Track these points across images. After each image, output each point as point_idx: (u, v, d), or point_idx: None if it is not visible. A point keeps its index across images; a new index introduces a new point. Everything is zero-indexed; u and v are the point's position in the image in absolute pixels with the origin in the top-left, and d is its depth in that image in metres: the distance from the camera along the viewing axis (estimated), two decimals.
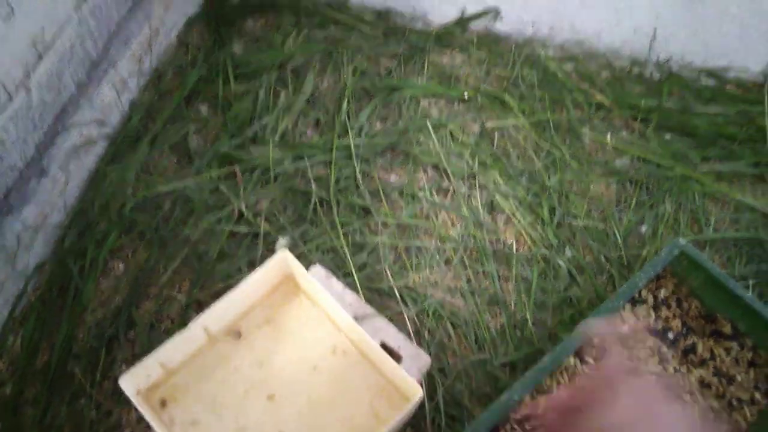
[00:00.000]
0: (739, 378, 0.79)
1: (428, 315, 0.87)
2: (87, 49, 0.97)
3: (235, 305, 0.70)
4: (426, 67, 1.17)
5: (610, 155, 1.06)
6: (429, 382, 0.80)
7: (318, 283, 0.70)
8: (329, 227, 0.94)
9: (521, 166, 1.04)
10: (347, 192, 0.99)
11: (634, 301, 0.85)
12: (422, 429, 0.77)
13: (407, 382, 0.63)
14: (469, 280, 0.91)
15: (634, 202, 1.00)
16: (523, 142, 1.07)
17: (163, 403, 0.66)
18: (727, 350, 0.82)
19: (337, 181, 0.99)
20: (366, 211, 0.98)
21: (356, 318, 0.72)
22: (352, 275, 0.88)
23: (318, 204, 0.97)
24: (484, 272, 0.92)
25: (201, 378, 0.68)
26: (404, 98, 1.12)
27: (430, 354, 0.82)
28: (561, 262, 0.92)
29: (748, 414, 0.76)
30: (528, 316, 0.87)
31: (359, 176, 1.00)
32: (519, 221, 0.97)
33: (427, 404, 0.78)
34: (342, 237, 0.93)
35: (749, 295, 0.80)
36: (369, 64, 1.17)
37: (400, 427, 0.72)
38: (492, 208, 0.99)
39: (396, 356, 0.70)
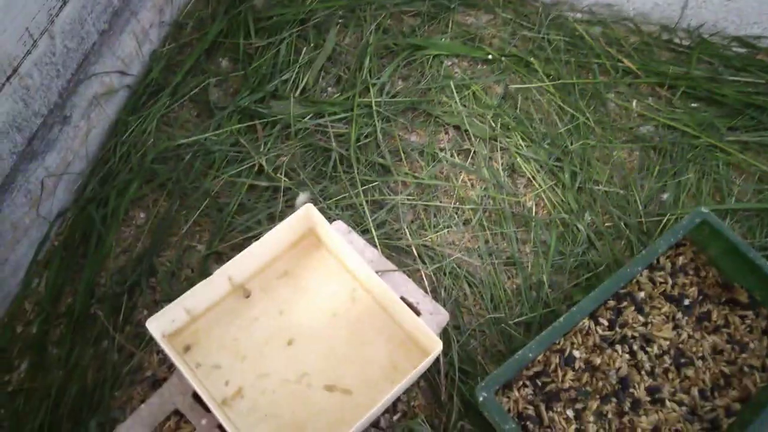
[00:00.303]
0: (752, 345, 0.80)
1: (445, 274, 0.87)
2: None
3: (259, 256, 0.71)
4: (450, 27, 1.15)
5: (634, 122, 1.05)
6: (444, 337, 0.81)
7: (340, 237, 0.70)
8: (349, 184, 0.94)
9: (544, 130, 1.02)
10: (367, 150, 0.99)
11: (652, 268, 0.85)
12: (435, 382, 0.79)
13: (427, 335, 0.63)
14: (486, 242, 0.91)
15: (656, 169, 0.99)
16: (547, 105, 1.06)
17: (187, 348, 0.68)
18: (742, 318, 0.82)
19: (357, 139, 0.99)
20: (386, 170, 0.98)
21: (377, 273, 0.72)
22: (371, 232, 0.89)
23: (338, 161, 0.97)
24: (502, 234, 0.92)
25: (223, 325, 0.69)
26: (427, 57, 1.10)
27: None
28: (580, 227, 0.91)
29: (759, 380, 0.77)
30: (544, 278, 0.87)
31: (380, 135, 1.00)
32: (539, 185, 0.96)
33: (441, 359, 0.79)
34: (362, 194, 0.93)
35: (767, 264, 0.80)
36: (392, 22, 1.15)
37: (416, 378, 0.73)
38: (513, 170, 0.99)
39: (415, 311, 0.71)
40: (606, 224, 0.93)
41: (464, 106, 1.05)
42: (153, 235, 0.90)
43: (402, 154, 0.99)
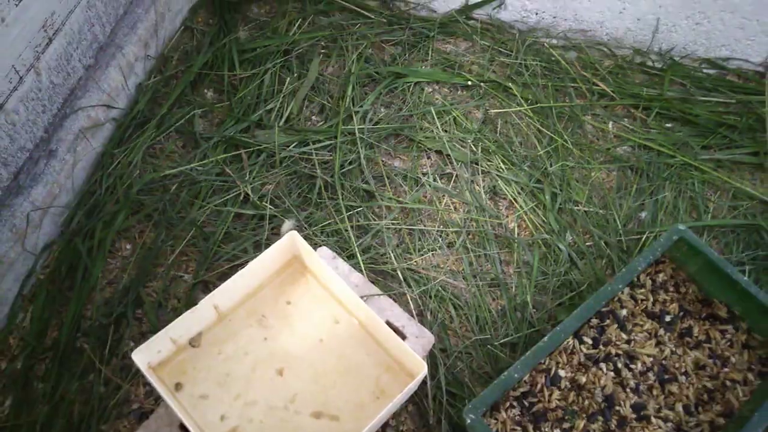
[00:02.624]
0: (733, 360, 0.81)
1: (431, 297, 0.88)
2: (95, 32, 0.98)
3: (244, 284, 0.71)
4: (430, 54, 1.18)
5: (611, 143, 1.08)
6: (431, 361, 0.82)
7: (325, 263, 0.71)
8: (334, 210, 0.96)
9: (524, 153, 1.05)
10: (351, 176, 1.00)
11: (633, 285, 0.87)
12: (424, 406, 0.79)
13: (412, 358, 0.64)
14: (470, 263, 0.93)
15: (634, 188, 1.01)
16: (526, 129, 1.08)
17: (173, 378, 0.68)
18: (723, 333, 0.83)
19: (341, 166, 1.01)
20: (370, 195, 0.99)
21: (362, 298, 0.73)
22: (357, 257, 0.90)
23: (323, 188, 0.98)
24: (485, 256, 0.94)
25: (210, 354, 0.69)
26: (408, 85, 1.13)
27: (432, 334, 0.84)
28: (562, 247, 0.93)
29: (741, 394, 0.78)
30: (528, 299, 0.89)
31: (363, 161, 1.02)
32: (521, 206, 0.98)
33: (429, 382, 0.80)
34: (346, 220, 0.94)
35: (745, 280, 0.81)
36: (374, 51, 1.18)
37: (404, 402, 0.74)
38: (494, 193, 1.01)
39: (400, 335, 0.71)
40: (587, 243, 0.95)
41: (445, 131, 1.07)
42: (139, 266, 0.91)
43: (386, 180, 1.01)
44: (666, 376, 0.80)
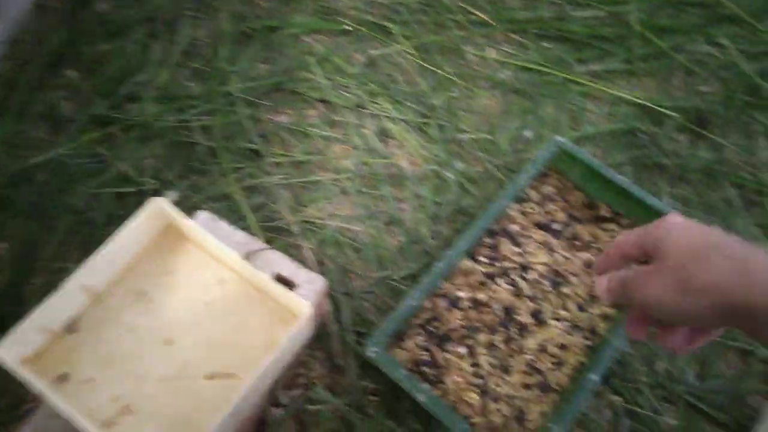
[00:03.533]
0: None
1: (328, 244, 0.87)
2: None
3: (114, 260, 0.68)
4: (305, 4, 1.14)
5: (493, 69, 1.09)
6: (335, 305, 0.82)
7: (199, 227, 0.68)
8: (220, 175, 0.93)
9: (408, 90, 1.04)
10: (236, 138, 0.97)
11: (522, 200, 0.89)
12: (333, 349, 0.79)
13: (295, 301, 0.63)
14: (366, 207, 0.92)
15: (517, 110, 1.03)
16: (409, 67, 1.07)
17: (57, 369, 0.64)
18: (608, 232, 0.87)
19: (223, 128, 0.97)
20: (257, 154, 0.96)
21: (249, 254, 0.71)
22: (248, 217, 0.88)
23: (206, 154, 0.94)
24: (380, 196, 0.93)
25: (92, 337, 0.66)
26: (285, 37, 1.10)
27: (333, 280, 0.84)
28: (451, 176, 0.94)
29: None
30: (424, 230, 0.89)
31: (246, 120, 0.98)
32: (410, 143, 0.98)
33: (336, 326, 0.80)
34: (234, 182, 0.91)
35: (622, 179, 0.85)
36: (245, 7, 1.13)
37: (302, 345, 0.73)
38: (384, 134, 1.00)
39: (291, 284, 0.70)
40: (476, 169, 0.96)
41: (329, 79, 1.05)
42: (18, 264, 0.85)
43: (272, 136, 0.98)
44: (558, 280, 0.83)
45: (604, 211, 0.88)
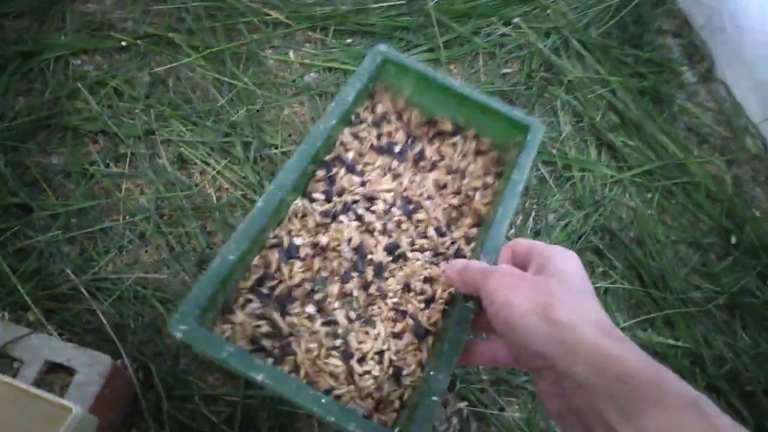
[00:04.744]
0: (471, 168, 0.75)
1: (127, 302, 0.75)
2: None
3: None
4: (68, 20, 0.98)
5: (297, 73, 1.02)
6: (144, 374, 0.71)
7: None
8: None
9: (204, 108, 0.94)
10: None
11: (353, 124, 0.74)
12: (151, 426, 0.68)
13: (55, 402, 0.52)
14: (172, 248, 0.81)
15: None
16: (202, 80, 0.97)
17: None
18: (453, 146, 0.77)
19: None
20: (26, 209, 0.80)
21: (5, 346, 0.58)
22: (19, 290, 0.72)
23: None
24: (187, 234, 0.83)
25: None
26: (46, 62, 0.93)
27: (137, 343, 0.73)
28: (258, 199, 0.86)
29: (485, 199, 0.73)
30: None
31: (5, 170, 0.81)
32: (213, 167, 0.88)
33: (152, 396, 0.69)
34: None
35: (458, 85, 0.73)
36: None
37: None
38: (181, 162, 0.89)
39: (70, 370, 0.58)
40: None
41: (107, 106, 0.91)
42: None
43: (43, 184, 0.83)
44: (410, 207, 0.71)
45: (445, 126, 0.77)
